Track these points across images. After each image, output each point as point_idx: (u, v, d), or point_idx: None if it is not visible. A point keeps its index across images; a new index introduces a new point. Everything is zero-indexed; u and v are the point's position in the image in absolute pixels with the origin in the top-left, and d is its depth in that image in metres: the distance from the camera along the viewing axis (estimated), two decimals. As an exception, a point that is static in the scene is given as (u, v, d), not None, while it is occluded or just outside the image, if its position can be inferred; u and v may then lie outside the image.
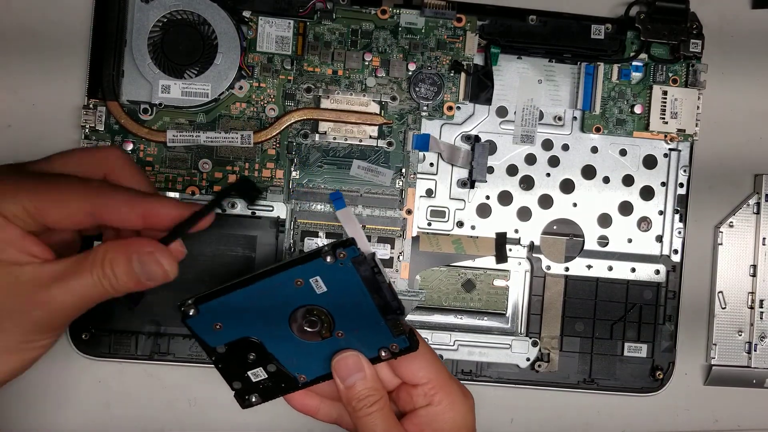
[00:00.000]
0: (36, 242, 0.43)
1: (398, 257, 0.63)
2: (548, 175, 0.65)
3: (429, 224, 0.64)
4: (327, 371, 0.52)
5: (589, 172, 0.65)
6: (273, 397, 0.53)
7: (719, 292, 0.67)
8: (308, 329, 0.50)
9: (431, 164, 0.64)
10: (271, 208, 0.63)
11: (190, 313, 0.48)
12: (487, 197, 0.65)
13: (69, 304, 0.43)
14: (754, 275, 0.67)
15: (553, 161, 0.65)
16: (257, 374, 0.52)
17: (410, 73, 0.63)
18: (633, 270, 0.65)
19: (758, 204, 0.67)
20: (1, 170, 0.45)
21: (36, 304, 0.42)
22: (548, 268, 0.65)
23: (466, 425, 0.53)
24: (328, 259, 0.47)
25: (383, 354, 0.51)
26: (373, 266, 0.48)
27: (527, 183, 0.65)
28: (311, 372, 0.52)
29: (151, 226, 0.45)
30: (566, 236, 0.65)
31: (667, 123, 0.64)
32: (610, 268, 0.65)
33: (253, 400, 0.53)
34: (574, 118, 0.65)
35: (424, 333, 0.64)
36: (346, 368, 0.50)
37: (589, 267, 0.65)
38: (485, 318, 0.65)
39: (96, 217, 0.44)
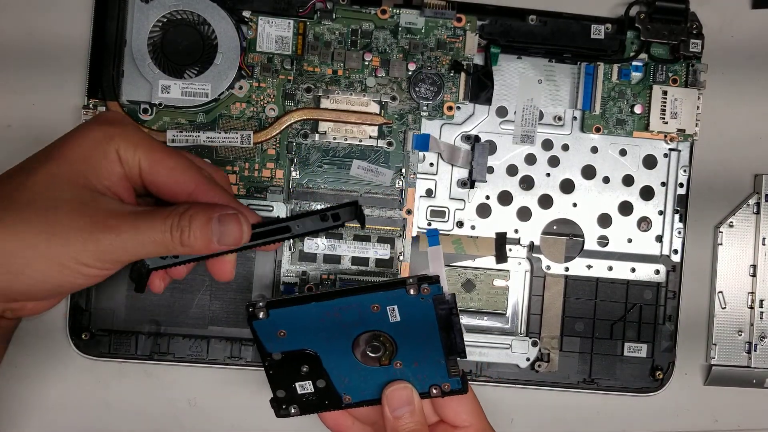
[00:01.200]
0: (128, 188, 0.47)
1: (398, 257, 0.63)
2: (548, 175, 0.65)
3: (429, 224, 0.64)
4: (375, 397, 0.52)
5: (589, 172, 0.65)
6: (312, 412, 0.53)
7: (719, 292, 0.67)
8: (370, 354, 0.51)
9: (431, 164, 0.64)
10: (271, 208, 0.63)
11: (260, 316, 0.49)
12: (487, 197, 0.65)
13: (130, 243, 0.45)
14: (754, 275, 0.67)
15: (553, 161, 0.65)
16: (305, 387, 0.52)
17: (410, 73, 0.63)
18: (633, 270, 0.65)
19: (758, 204, 0.67)
20: (130, 123, 0.48)
21: (105, 229, 0.44)
22: (548, 268, 0.65)
23: None
24: (411, 291, 0.48)
25: (434, 391, 0.52)
26: (452, 307, 0.49)
27: (527, 183, 0.65)
28: (358, 394, 0.52)
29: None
30: (566, 236, 0.65)
31: (667, 123, 0.64)
32: (610, 268, 0.65)
33: (292, 411, 0.53)
34: (574, 118, 0.65)
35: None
36: (399, 400, 0.51)
37: (589, 267, 0.65)
38: (485, 318, 0.65)
39: (192, 197, 0.48)
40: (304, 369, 0.51)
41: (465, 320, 0.65)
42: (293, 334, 0.50)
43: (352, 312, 0.49)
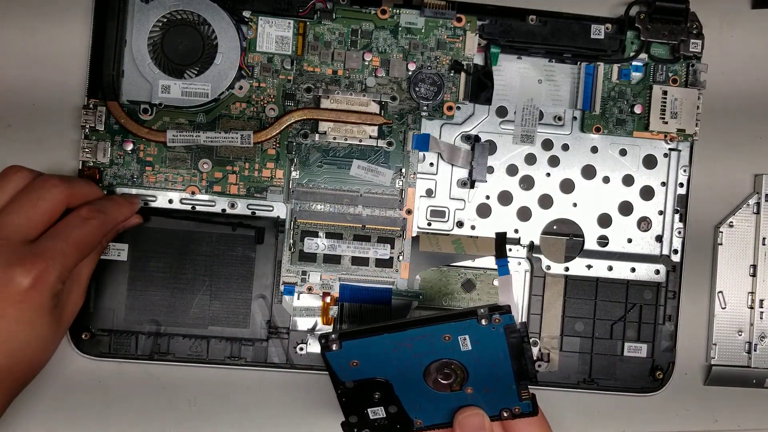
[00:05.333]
0: None
1: (398, 257, 0.63)
2: (548, 175, 0.65)
3: (429, 224, 0.64)
4: (445, 420, 0.53)
5: (589, 171, 0.65)
6: None
7: (719, 292, 0.67)
8: (441, 381, 0.51)
9: (431, 164, 0.64)
10: (270, 208, 0.63)
11: (333, 348, 0.49)
12: (487, 197, 0.65)
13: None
14: (754, 275, 0.67)
15: (553, 161, 0.65)
16: (377, 413, 0.52)
17: (410, 73, 0.63)
18: (633, 270, 0.65)
19: (758, 204, 0.67)
20: None
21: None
22: (548, 268, 0.65)
23: None
24: (483, 322, 0.48)
25: (504, 414, 0.52)
26: (524, 335, 0.49)
27: (527, 183, 0.65)
28: (429, 418, 0.53)
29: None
30: (566, 236, 0.65)
31: (667, 123, 0.64)
32: (610, 268, 0.65)
33: None
34: (574, 118, 0.65)
35: (424, 333, 0.64)
36: (471, 427, 0.52)
37: (589, 267, 0.65)
38: (485, 318, 0.65)
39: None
40: (377, 395, 0.52)
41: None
42: (366, 363, 0.50)
43: (424, 342, 0.49)
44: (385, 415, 0.52)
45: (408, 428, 0.53)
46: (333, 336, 0.49)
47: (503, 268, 0.54)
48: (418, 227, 0.64)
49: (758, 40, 0.68)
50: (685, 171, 0.65)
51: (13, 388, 0.53)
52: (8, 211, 0.53)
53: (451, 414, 0.52)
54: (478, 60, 0.64)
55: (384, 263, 0.63)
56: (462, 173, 0.64)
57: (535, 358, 0.51)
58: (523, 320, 0.50)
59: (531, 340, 0.51)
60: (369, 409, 0.52)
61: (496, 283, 0.65)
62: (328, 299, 0.63)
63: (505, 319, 0.48)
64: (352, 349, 0.49)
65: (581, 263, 0.65)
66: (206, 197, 0.63)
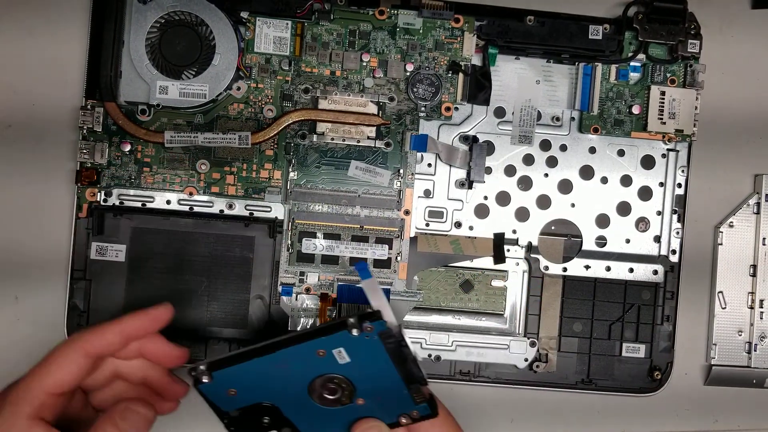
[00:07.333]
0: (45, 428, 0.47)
1: (396, 258, 0.63)
2: (546, 175, 0.65)
3: (427, 225, 0.64)
4: None
5: (587, 172, 0.65)
6: None
7: (719, 292, 0.67)
8: (328, 396, 0.49)
9: (429, 165, 0.64)
10: (268, 209, 0.63)
11: (204, 380, 0.47)
12: (485, 198, 0.65)
13: None
14: (754, 275, 0.67)
15: (551, 161, 0.65)
16: None
17: (408, 73, 0.63)
18: (631, 270, 0.65)
19: (758, 204, 0.67)
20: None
21: None
22: (546, 268, 0.65)
23: None
24: (354, 332, 0.46)
25: (403, 420, 0.51)
26: (401, 339, 0.47)
27: (525, 183, 0.65)
28: None
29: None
30: (564, 236, 0.65)
31: (665, 123, 0.64)
32: (608, 269, 0.65)
33: None
34: (572, 118, 0.65)
35: (421, 333, 0.64)
36: None
37: (587, 267, 0.65)
38: (483, 318, 0.65)
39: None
40: (266, 420, 0.50)
41: (464, 321, 0.65)
42: (243, 391, 0.48)
43: (299, 361, 0.47)
44: None
45: None
46: (201, 368, 0.47)
47: (363, 272, 0.50)
48: (416, 228, 0.64)
49: (758, 40, 0.68)
50: (683, 171, 0.65)
51: None
52: None
53: (349, 427, 0.51)
54: (476, 60, 0.64)
55: (382, 264, 0.63)
56: (460, 174, 0.64)
57: (417, 358, 0.48)
58: (398, 323, 0.47)
59: (410, 344, 0.48)
60: None
61: (494, 283, 0.65)
62: (326, 300, 0.63)
63: (377, 326, 0.46)
64: (225, 379, 0.47)
65: (579, 264, 0.65)
66: (204, 198, 0.63)
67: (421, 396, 0.50)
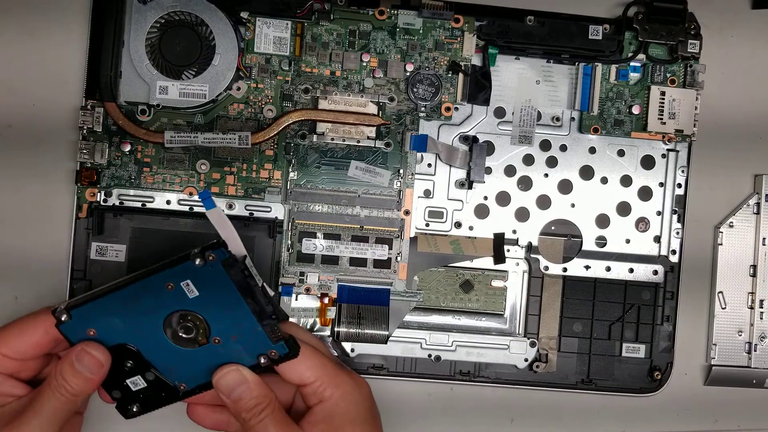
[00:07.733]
0: (14, 383, 0.51)
1: (396, 258, 0.63)
2: (546, 175, 0.65)
3: (427, 225, 0.64)
4: (208, 380, 0.50)
5: (587, 172, 0.65)
6: (154, 408, 0.52)
7: (719, 292, 0.67)
8: (183, 335, 0.49)
9: (429, 165, 0.64)
10: (268, 209, 0.63)
11: (62, 319, 0.48)
12: (485, 198, 0.65)
13: (45, 423, 0.49)
14: (754, 275, 0.67)
15: (551, 162, 0.65)
16: (136, 383, 0.51)
17: (408, 73, 0.63)
18: (631, 270, 0.65)
19: (758, 204, 0.67)
20: None
21: (19, 430, 0.49)
22: (546, 268, 0.65)
23: (360, 413, 0.53)
24: (197, 261, 0.46)
25: (263, 361, 0.50)
26: (244, 269, 0.47)
27: (525, 183, 0.65)
28: (192, 381, 0.51)
29: None
30: (564, 237, 0.65)
31: (665, 123, 0.64)
32: (608, 269, 0.65)
33: (135, 410, 0.52)
34: (572, 118, 0.65)
35: (421, 334, 0.64)
36: (228, 385, 0.50)
37: (587, 267, 0.65)
38: (483, 319, 0.65)
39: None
40: (129, 364, 0.50)
41: (463, 321, 0.65)
42: (102, 330, 0.48)
43: (150, 296, 0.47)
44: (145, 385, 0.51)
45: (174, 396, 0.51)
46: (61, 307, 0.48)
47: (207, 201, 0.49)
48: (416, 228, 0.64)
49: (758, 40, 0.68)
50: (683, 171, 0.65)
51: None
52: None
53: (212, 373, 0.50)
54: (476, 61, 0.64)
55: (382, 264, 0.63)
56: (460, 174, 0.64)
57: (269, 291, 0.46)
58: (244, 253, 0.46)
59: (257, 275, 0.48)
60: (128, 381, 0.51)
61: (494, 283, 0.65)
62: (326, 300, 0.63)
63: (218, 255, 0.46)
64: (84, 317, 0.48)
65: (579, 264, 0.65)
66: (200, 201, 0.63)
67: (276, 334, 0.49)
